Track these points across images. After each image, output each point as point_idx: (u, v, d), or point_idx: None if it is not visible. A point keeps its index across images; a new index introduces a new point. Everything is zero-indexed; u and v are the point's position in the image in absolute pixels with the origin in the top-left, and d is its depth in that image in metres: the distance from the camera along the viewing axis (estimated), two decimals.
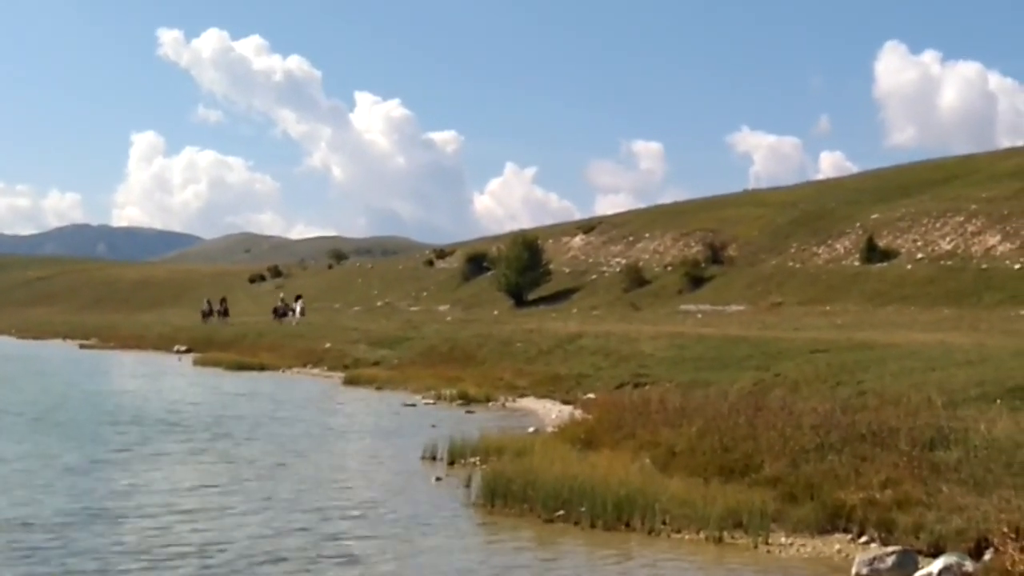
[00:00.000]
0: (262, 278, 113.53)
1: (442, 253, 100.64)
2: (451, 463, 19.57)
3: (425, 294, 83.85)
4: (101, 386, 37.36)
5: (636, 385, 28.00)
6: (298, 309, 66.29)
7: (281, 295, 75.74)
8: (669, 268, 67.31)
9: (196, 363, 49.75)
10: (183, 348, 58.56)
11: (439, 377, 35.03)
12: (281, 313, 67.96)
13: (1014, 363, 20.68)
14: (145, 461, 19.97)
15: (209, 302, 76.21)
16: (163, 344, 62.25)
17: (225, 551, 13.04)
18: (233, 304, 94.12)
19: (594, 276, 71.59)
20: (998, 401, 17.44)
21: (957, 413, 16.46)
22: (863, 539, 13.04)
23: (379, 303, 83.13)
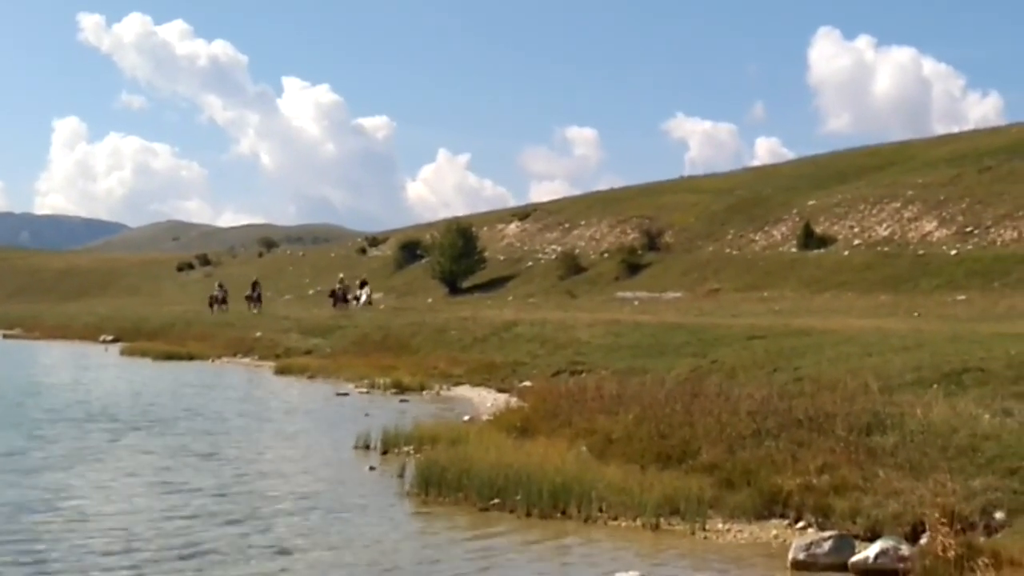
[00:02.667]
0: (190, 267, 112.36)
1: (375, 241, 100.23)
2: (385, 452, 19.52)
3: (358, 282, 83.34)
4: (24, 376, 36.75)
5: (572, 373, 28.05)
6: (363, 296, 57.17)
7: (340, 275, 64.68)
8: (605, 255, 67.55)
9: (123, 353, 49.14)
10: (110, 338, 57.87)
11: (372, 366, 34.90)
12: (340, 298, 58.66)
13: (950, 348, 20.98)
14: (69, 452, 19.65)
15: (221, 286, 67.57)
16: (89, 334, 61.46)
17: (151, 543, 12.88)
18: (158, 294, 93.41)
19: (530, 263, 71.70)
20: (934, 386, 17.67)
21: (893, 398, 16.64)
22: (800, 524, 13.16)
23: (311, 291, 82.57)
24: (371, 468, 18.23)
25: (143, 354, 47.21)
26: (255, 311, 60.44)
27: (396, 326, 43.67)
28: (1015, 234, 47.25)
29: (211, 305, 63.84)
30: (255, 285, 64.62)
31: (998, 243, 47.25)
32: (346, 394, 30.72)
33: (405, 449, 19.22)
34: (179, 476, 17.49)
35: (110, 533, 13.37)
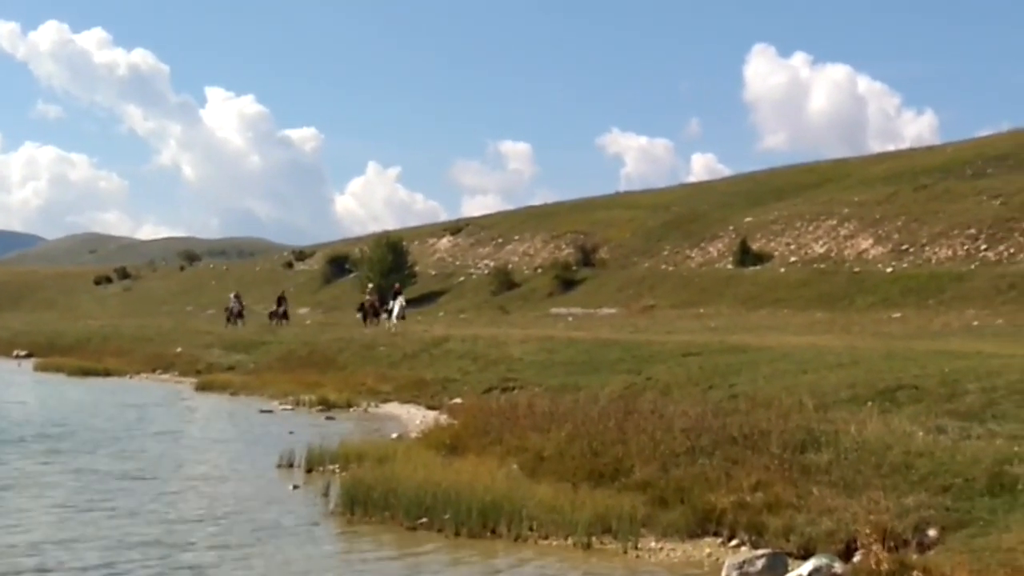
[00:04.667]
0: (108, 280, 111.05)
1: (302, 255, 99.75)
2: (309, 471, 19.41)
3: (285, 297, 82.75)
4: None
5: (504, 390, 28.04)
6: (397, 307, 47.98)
7: (369, 285, 58.42)
8: (539, 270, 67.71)
9: (37, 368, 48.39)
10: (23, 353, 57.00)
11: (298, 382, 34.68)
12: (369, 311, 51.72)
13: (885, 365, 21.23)
14: None
15: (238, 297, 61.13)
16: (2, 349, 60.46)
17: (64, 566, 12.68)
18: (75, 308, 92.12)
19: (461, 278, 71.73)
20: (869, 403, 17.85)
21: (828, 415, 16.81)
22: (733, 542, 13.26)
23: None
24: (294, 487, 18.10)
25: (58, 370, 46.54)
26: (282, 326, 54.33)
27: (322, 342, 43.44)
28: (950, 252, 48.05)
29: (228, 319, 58.10)
30: (281, 300, 58.83)
31: (933, 261, 48.02)
32: (270, 411, 30.48)
33: (330, 467, 19.13)
34: (93, 497, 17.19)
35: (19, 558, 13.11)
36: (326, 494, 16.74)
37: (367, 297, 53.38)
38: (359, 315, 52.40)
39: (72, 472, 19.61)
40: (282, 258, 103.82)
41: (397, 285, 53.38)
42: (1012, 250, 45.52)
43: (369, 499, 15.59)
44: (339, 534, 14.89)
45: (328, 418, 28.71)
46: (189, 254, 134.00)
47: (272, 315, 57.07)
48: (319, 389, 32.87)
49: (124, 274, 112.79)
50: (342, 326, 51.81)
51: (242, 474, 19.85)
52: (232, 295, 62.43)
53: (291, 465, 19.96)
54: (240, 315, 57.94)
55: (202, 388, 37.95)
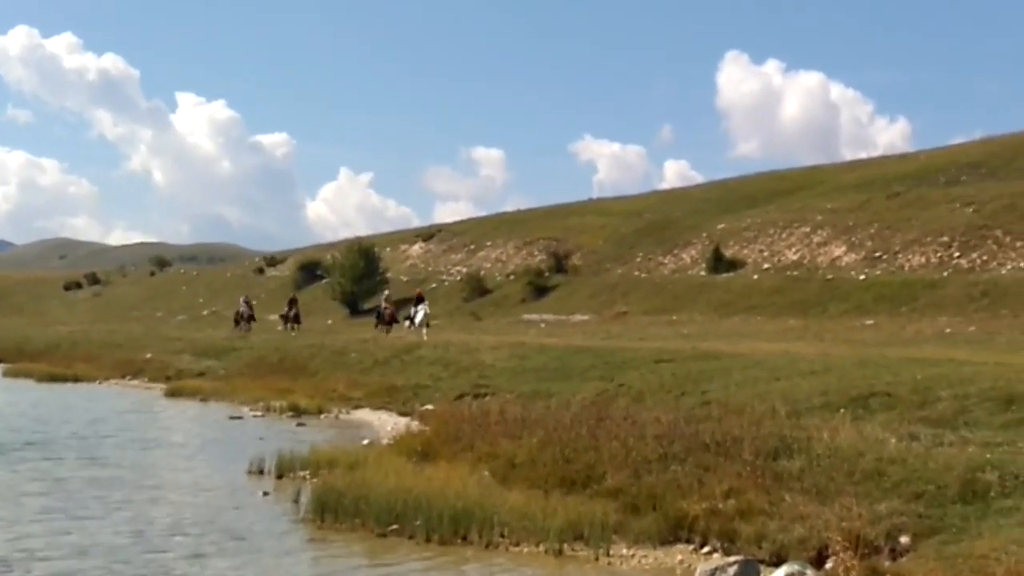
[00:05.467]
0: (78, 286, 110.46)
1: (273, 260, 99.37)
2: (279, 477, 19.36)
3: (255, 303, 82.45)
4: None
5: (476, 396, 28.03)
6: (420, 314, 45.43)
7: (386, 292, 56.76)
8: (511, 277, 67.69)
9: (6, 375, 48.02)
10: None
11: (268, 389, 34.57)
12: (388, 319, 49.45)
13: (857, 372, 21.34)
14: None
15: (248, 302, 58.98)
16: None
17: (31, 573, 12.58)
18: (44, 314, 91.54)
19: (433, 285, 71.58)
20: (842, 410, 17.96)
21: (801, 422, 16.89)
22: (705, 549, 13.27)
23: (205, 312, 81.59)
24: (265, 493, 18.03)
25: (26, 375, 46.23)
26: (292, 332, 52.54)
27: (293, 348, 43.33)
28: (923, 259, 48.29)
29: (237, 323, 56.69)
30: (292, 302, 56.79)
31: (906, 268, 48.23)
32: (240, 417, 30.37)
33: (301, 474, 19.08)
34: (61, 503, 17.10)
35: None
36: (296, 501, 16.69)
37: (384, 305, 51.49)
38: (376, 321, 50.51)
39: (38, 480, 19.45)
40: (253, 264, 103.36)
41: (419, 291, 51.34)
42: (985, 258, 45.79)
43: (340, 506, 15.55)
44: (309, 541, 14.82)
45: (299, 424, 28.63)
46: (159, 260, 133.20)
47: (284, 319, 55.38)
48: (290, 395, 32.78)
49: (94, 280, 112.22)
50: (313, 332, 51.68)
51: (211, 481, 19.75)
52: (242, 299, 60.69)
53: (261, 472, 19.88)
54: (251, 319, 56.24)
55: (172, 394, 37.75)
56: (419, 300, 47.33)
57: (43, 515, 16.12)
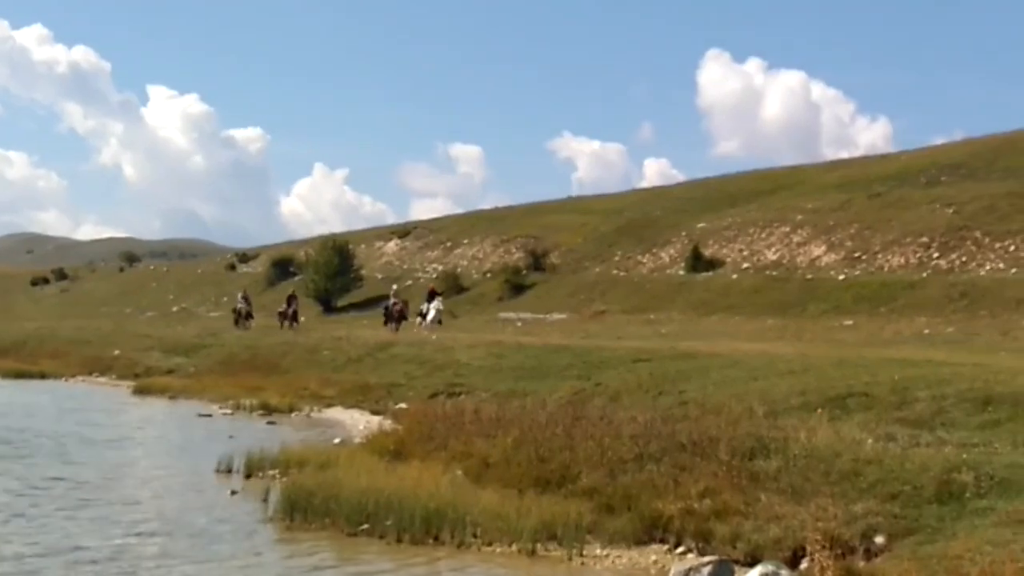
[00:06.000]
0: (45, 281, 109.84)
1: (245, 257, 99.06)
2: (248, 476, 19.30)
3: (226, 299, 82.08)
4: None
5: (451, 395, 28.09)
6: (433, 311, 44.09)
7: (394, 287, 52.68)
8: (489, 275, 67.67)
9: None
10: None
11: (239, 386, 34.51)
12: (396, 316, 46.72)
13: (835, 373, 21.42)
14: None
15: (246, 298, 56.48)
16: None
17: None
18: (10, 309, 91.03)
19: (409, 282, 71.47)
20: (819, 410, 18.02)
21: (778, 422, 16.95)
22: (680, 549, 13.31)
23: (175, 308, 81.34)
24: (233, 492, 17.99)
25: None
26: (292, 330, 50.14)
27: (265, 345, 43.24)
28: (902, 260, 48.51)
29: (236, 321, 54.43)
30: (291, 299, 54.36)
31: (886, 269, 48.44)
32: (209, 415, 30.32)
33: (270, 473, 19.03)
34: (26, 502, 16.98)
35: None
36: (265, 500, 16.64)
37: (392, 300, 48.36)
38: (384, 319, 47.99)
39: (1, 477, 19.34)
40: (225, 260, 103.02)
41: (432, 286, 48.89)
42: (964, 259, 46.03)
43: (309, 505, 15.51)
44: (277, 540, 14.79)
45: (269, 423, 28.61)
46: (129, 255, 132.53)
47: (281, 316, 52.82)
48: (260, 393, 32.74)
49: (62, 275, 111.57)
50: (286, 329, 51.54)
51: (179, 479, 19.70)
52: (240, 295, 58.15)
53: (230, 471, 19.82)
54: (249, 316, 54.15)
55: (140, 391, 37.72)
56: (432, 295, 45.38)
57: (4, 515, 16.02)
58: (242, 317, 54.12)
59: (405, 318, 46.46)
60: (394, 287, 52.23)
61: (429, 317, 43.22)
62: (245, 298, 56.49)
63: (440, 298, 45.24)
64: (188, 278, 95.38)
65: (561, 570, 13.11)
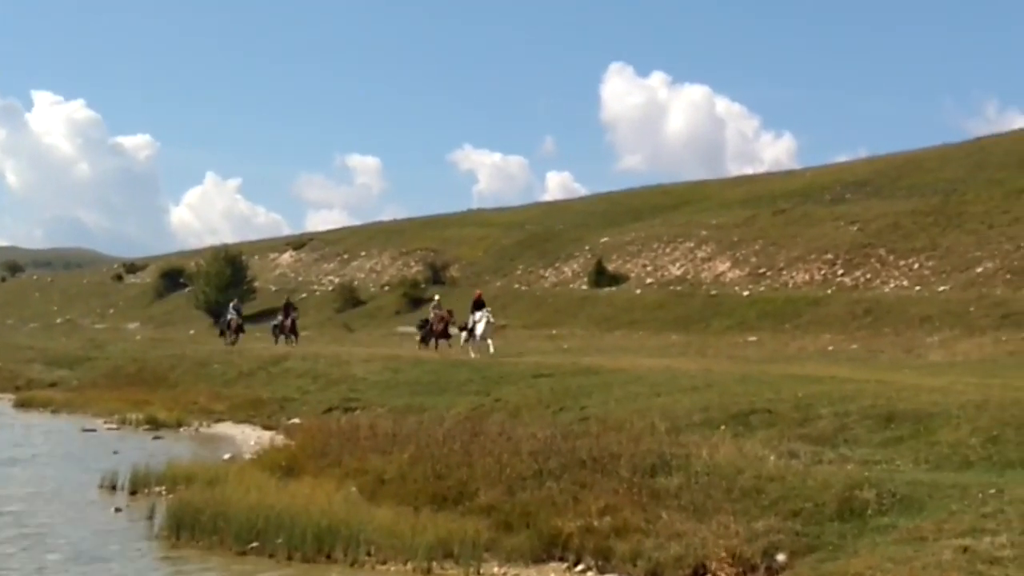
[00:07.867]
0: None
1: (133, 267, 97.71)
2: (133, 493, 19.08)
3: (113, 311, 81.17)
4: None
5: (346, 410, 27.91)
6: (482, 324, 36.44)
7: (436, 297, 44.17)
8: (386, 288, 67.47)
9: None
10: None
11: (125, 400, 34.03)
12: (437, 332, 40.48)
13: (739, 389, 21.63)
14: None
15: (238, 309, 50.63)
16: None
17: None
18: None
19: (304, 295, 70.99)
20: (722, 427, 18.17)
21: (680, 439, 17.04)
22: (579, 567, 13.33)
23: (59, 320, 79.96)
24: (117, 510, 17.73)
25: None
26: (291, 344, 44.94)
27: (153, 358, 42.66)
28: (807, 276, 49.25)
29: (222, 333, 49.67)
30: (288, 309, 48.09)
31: (790, 285, 49.14)
32: (93, 430, 29.82)
33: (156, 489, 18.83)
34: None
35: None
36: (151, 517, 16.42)
37: (434, 312, 41.29)
38: (418, 333, 42.08)
39: None
40: (112, 270, 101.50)
41: (478, 292, 41.22)
42: (868, 276, 46.85)
43: (197, 523, 15.33)
44: (163, 559, 14.58)
45: (156, 438, 28.23)
46: (11, 265, 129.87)
47: (277, 329, 47.19)
48: (147, 407, 32.30)
49: None
50: (175, 342, 50.93)
51: (61, 496, 19.34)
52: (231, 305, 51.47)
53: (114, 487, 19.56)
54: (240, 329, 48.29)
55: (21, 405, 37.12)
56: (479, 305, 37.25)
57: None
58: (230, 330, 48.47)
59: (448, 335, 40.07)
60: (436, 298, 43.87)
61: (479, 331, 36.21)
62: (236, 309, 50.60)
63: (488, 309, 37.30)
64: (73, 288, 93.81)
65: None
